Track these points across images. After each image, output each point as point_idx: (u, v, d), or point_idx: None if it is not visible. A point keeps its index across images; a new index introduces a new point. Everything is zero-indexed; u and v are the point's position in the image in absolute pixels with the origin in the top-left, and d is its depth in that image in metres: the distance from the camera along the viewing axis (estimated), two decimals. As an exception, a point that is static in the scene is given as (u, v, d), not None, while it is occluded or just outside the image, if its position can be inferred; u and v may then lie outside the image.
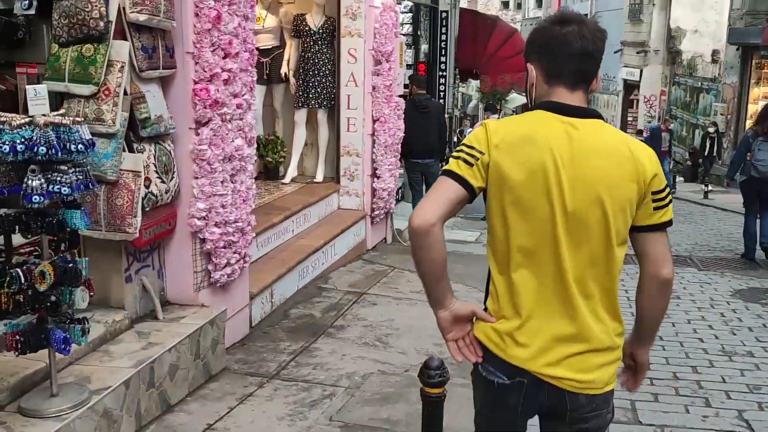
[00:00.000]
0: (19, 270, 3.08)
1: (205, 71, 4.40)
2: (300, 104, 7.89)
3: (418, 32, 12.59)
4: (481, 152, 2.09)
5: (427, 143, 8.93)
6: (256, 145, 5.05)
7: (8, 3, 4.17)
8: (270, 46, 7.98)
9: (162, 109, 4.26)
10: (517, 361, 2.12)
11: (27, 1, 4.04)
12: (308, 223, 7.10)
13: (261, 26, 7.88)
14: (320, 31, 7.79)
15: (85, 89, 3.89)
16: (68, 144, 3.06)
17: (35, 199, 2.99)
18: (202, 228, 4.53)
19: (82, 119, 3.82)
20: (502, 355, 2.14)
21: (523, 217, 2.08)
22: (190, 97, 4.40)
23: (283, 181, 7.90)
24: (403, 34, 12.37)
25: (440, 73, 12.73)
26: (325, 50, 7.81)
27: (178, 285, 4.63)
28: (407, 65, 12.47)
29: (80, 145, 3.09)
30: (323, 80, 7.81)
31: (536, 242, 2.08)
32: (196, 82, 4.40)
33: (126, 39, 4.00)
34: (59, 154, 3.01)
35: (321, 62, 7.80)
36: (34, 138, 2.98)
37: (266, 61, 7.96)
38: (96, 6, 3.79)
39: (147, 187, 4.15)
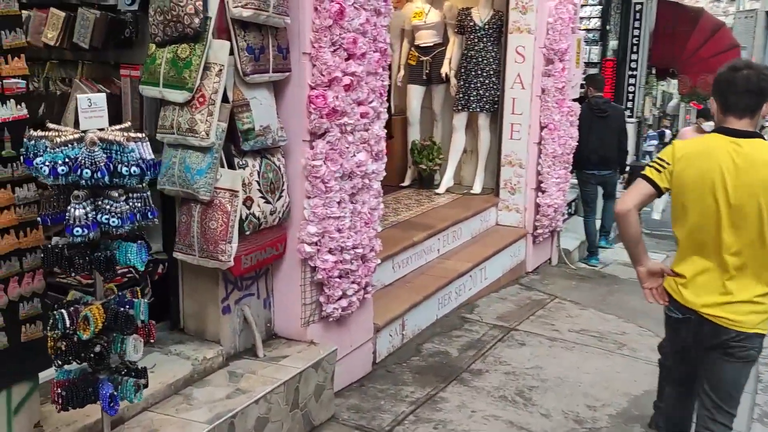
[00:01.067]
0: (63, 311, 2.62)
1: (323, 75, 3.79)
2: (460, 107, 7.15)
3: (607, 26, 11.37)
4: (668, 163, 2.97)
5: (604, 152, 7.86)
6: (385, 159, 4.38)
7: (114, -2, 3.78)
8: (431, 44, 7.30)
9: (270, 119, 3.70)
10: (687, 303, 2.99)
11: (131, -4, 3.62)
12: (457, 241, 6.35)
13: (422, 22, 7.24)
14: (486, 26, 6.99)
15: (179, 96, 3.41)
16: (119, 166, 2.54)
17: (77, 231, 2.51)
18: (313, 255, 3.94)
19: (175, 130, 3.39)
20: (678, 298, 3.03)
21: (696, 209, 2.92)
22: (305, 105, 3.81)
23: (437, 191, 7.20)
24: (590, 29, 11.27)
25: (630, 72, 11.43)
26: (490, 48, 7.01)
27: (286, 317, 4.08)
28: (592, 63, 11.34)
29: (135, 168, 2.57)
30: (486, 81, 7.02)
31: (704, 226, 2.91)
32: (312, 88, 3.81)
33: (230, 38, 3.48)
34: (106, 178, 2.51)
35: (485, 61, 7.01)
36: (80, 158, 2.49)
37: (427, 59, 7.30)
38: (191, 0, 3.29)
39: (248, 207, 3.62)
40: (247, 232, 3.64)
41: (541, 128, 6.93)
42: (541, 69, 6.82)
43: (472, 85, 7.05)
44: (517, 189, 7.03)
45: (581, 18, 11.47)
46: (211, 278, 3.73)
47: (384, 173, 4.38)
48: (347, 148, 3.96)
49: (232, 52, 3.48)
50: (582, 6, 11.39)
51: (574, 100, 7.31)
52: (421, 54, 7.33)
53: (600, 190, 8.26)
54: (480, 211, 6.79)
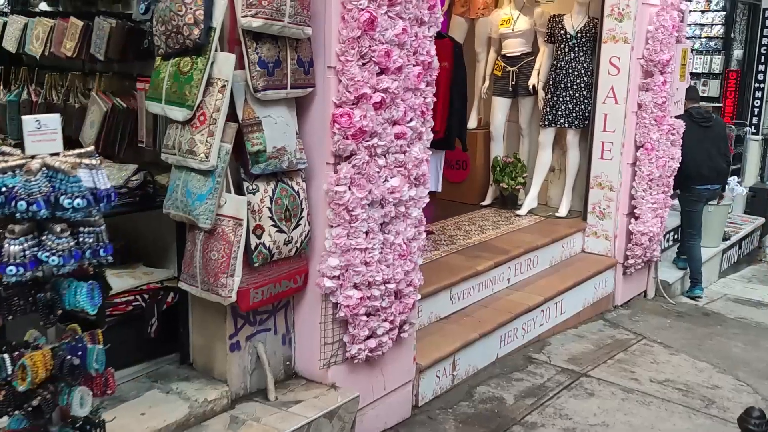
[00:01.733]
0: (6, 356, 2.35)
1: (349, 91, 3.39)
2: (547, 122, 6.56)
3: (732, 34, 10.34)
4: None
5: (714, 164, 6.96)
6: (428, 185, 3.91)
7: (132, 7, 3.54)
8: (519, 53, 6.76)
9: (287, 140, 3.33)
10: None
11: (144, 4, 3.36)
12: (532, 270, 5.78)
13: (510, 30, 6.71)
14: (578, 35, 6.38)
15: (179, 113, 3.11)
16: (62, 197, 2.24)
17: (10, 270, 2.22)
18: (335, 290, 3.54)
19: (177, 150, 3.09)
20: None
21: None
22: (328, 124, 3.43)
23: (518, 212, 6.65)
24: (712, 37, 10.31)
25: (756, 84, 10.34)
26: (582, 59, 6.39)
27: (307, 356, 3.72)
28: (713, 74, 10.36)
29: (79, 200, 2.26)
30: (576, 95, 6.40)
31: None
32: (336, 105, 3.42)
33: (242, 50, 3.14)
34: (43, 211, 2.21)
35: (576, 73, 6.39)
36: (16, 188, 2.21)
37: (513, 70, 6.76)
38: (190, 9, 2.98)
39: (258, 237, 3.27)
40: (256, 264, 3.29)
41: (636, 148, 6.24)
42: (638, 82, 6.14)
43: (561, 99, 6.45)
44: (607, 214, 6.36)
45: (702, 25, 10.54)
46: (219, 312, 3.41)
47: (427, 199, 3.91)
48: (377, 172, 3.54)
49: (242, 66, 3.15)
50: (703, 12, 10.45)
51: (677, 117, 6.56)
52: (508, 64, 6.80)
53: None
54: (561, 237, 6.18)
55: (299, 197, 3.44)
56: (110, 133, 3.61)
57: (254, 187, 3.28)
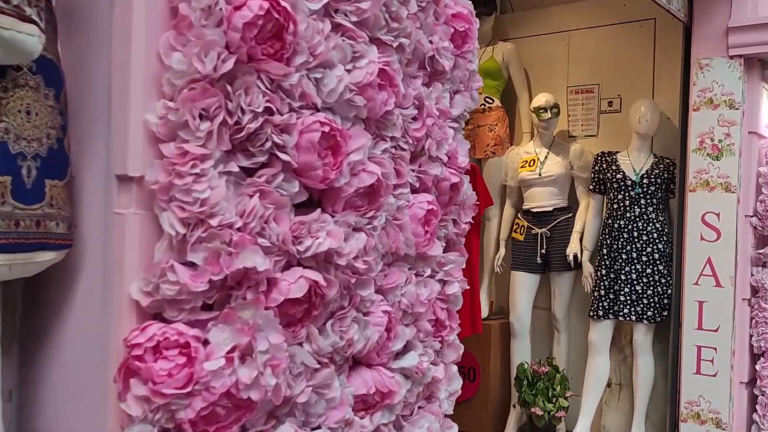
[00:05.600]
0: None
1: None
2: (601, 312, 4.23)
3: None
4: None
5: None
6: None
7: None
8: (550, 208, 4.55)
9: None
10: None
11: None
12: None
13: (536, 174, 4.53)
14: (644, 180, 4.20)
15: None
16: None
17: None
18: None
19: None
20: None
21: None
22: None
23: (563, 456, 4.16)
24: None
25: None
26: (652, 216, 4.17)
27: None
28: None
29: None
30: (648, 270, 4.12)
31: None
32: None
33: None
34: None
35: (645, 237, 4.15)
36: None
37: (542, 232, 4.52)
38: None
39: None
40: None
41: (755, 356, 3.89)
42: (751, 253, 3.89)
43: (623, 277, 4.17)
44: (713, 466, 3.90)
45: None
46: None
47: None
48: None
49: None
50: None
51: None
52: (534, 224, 4.56)
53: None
54: None
55: None
56: None
57: None
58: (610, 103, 4.66)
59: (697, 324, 3.93)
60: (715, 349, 3.89)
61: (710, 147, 3.91)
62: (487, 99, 4.71)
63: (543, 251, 4.54)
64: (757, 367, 3.87)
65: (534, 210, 4.58)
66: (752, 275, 3.89)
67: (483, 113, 4.73)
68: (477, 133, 4.74)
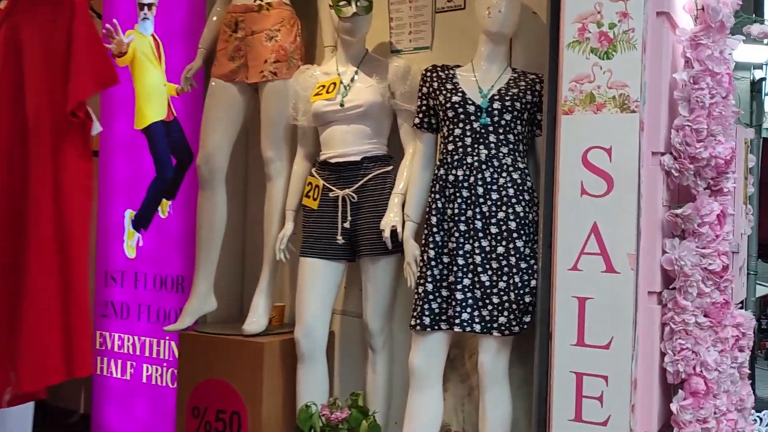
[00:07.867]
0: None
1: None
2: (428, 320, 2.59)
3: None
4: None
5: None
6: None
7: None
8: (358, 157, 2.91)
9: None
10: None
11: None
12: None
13: (336, 105, 2.89)
14: (495, 104, 2.59)
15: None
16: None
17: None
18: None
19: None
20: None
21: None
22: None
23: None
24: None
25: None
26: (505, 156, 2.55)
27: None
28: None
29: None
30: (496, 249, 2.50)
31: None
32: None
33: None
34: None
35: (493, 194, 2.53)
36: None
37: (345, 195, 2.87)
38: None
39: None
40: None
41: (670, 388, 2.31)
42: (662, 214, 2.32)
43: (460, 261, 2.54)
44: None
45: None
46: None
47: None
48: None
49: None
50: None
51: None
52: (334, 182, 2.91)
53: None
54: None
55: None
56: None
57: None
58: (450, -3, 3.04)
59: (577, 337, 2.30)
60: (605, 378, 2.27)
61: (596, 38, 2.32)
62: (264, -12, 3.04)
63: (347, 225, 2.88)
64: (673, 407, 2.28)
65: (333, 161, 2.91)
66: (664, 252, 2.30)
67: (258, 12, 3.05)
68: (249, 42, 3.04)
